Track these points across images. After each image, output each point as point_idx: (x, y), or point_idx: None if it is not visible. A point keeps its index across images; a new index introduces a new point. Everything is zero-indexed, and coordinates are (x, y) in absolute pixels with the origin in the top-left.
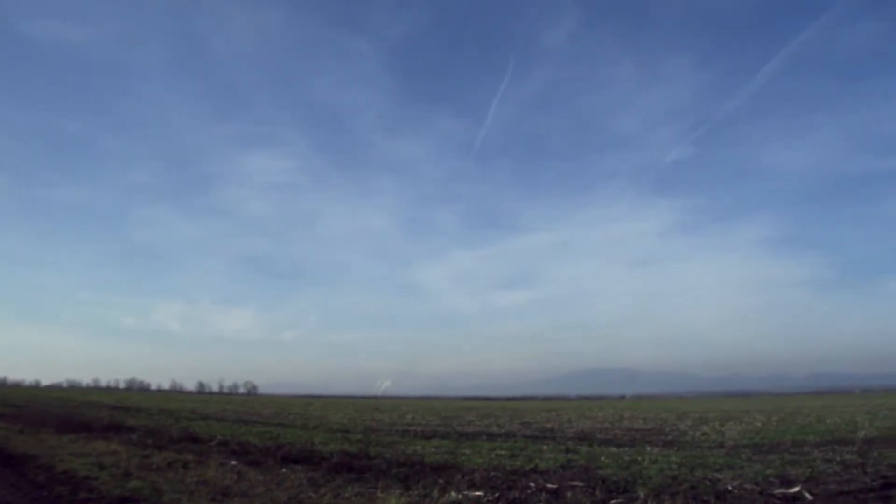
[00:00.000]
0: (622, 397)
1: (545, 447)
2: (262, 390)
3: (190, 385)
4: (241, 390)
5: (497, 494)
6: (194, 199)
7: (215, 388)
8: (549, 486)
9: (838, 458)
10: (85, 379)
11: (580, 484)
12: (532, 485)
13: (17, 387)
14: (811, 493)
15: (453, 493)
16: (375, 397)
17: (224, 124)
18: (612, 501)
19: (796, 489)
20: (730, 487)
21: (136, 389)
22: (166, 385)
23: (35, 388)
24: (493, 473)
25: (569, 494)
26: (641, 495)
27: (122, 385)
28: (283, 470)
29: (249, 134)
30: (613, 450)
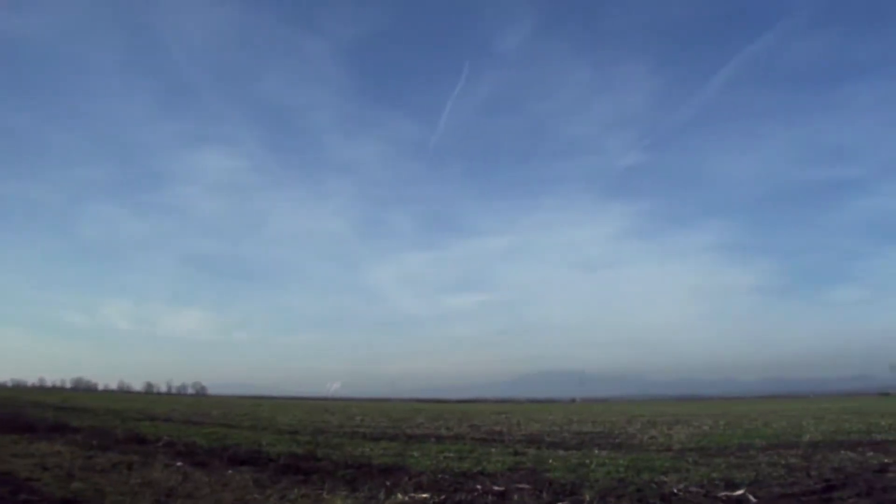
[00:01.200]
0: (572, 400)
1: (493, 450)
2: (211, 391)
3: (138, 385)
4: (190, 391)
5: (443, 497)
6: (144, 196)
7: (163, 389)
8: (496, 488)
9: (783, 462)
10: (30, 378)
11: (527, 486)
12: (479, 487)
13: None
14: (755, 496)
15: (400, 495)
16: (325, 399)
17: (175, 121)
18: None
19: (740, 492)
20: (675, 490)
21: (83, 389)
22: (113, 385)
23: None
24: (440, 476)
25: (515, 497)
26: (588, 498)
27: (68, 385)
28: (230, 471)
29: (201, 132)
30: (561, 452)
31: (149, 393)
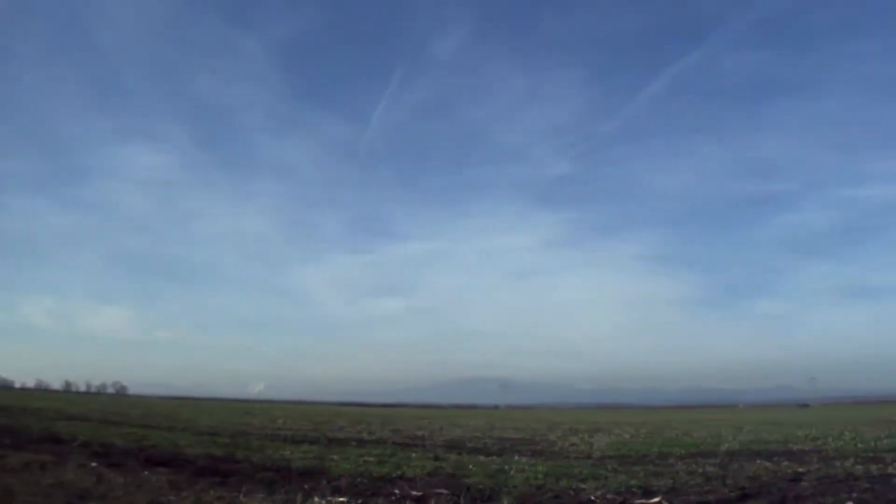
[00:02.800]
0: (496, 407)
1: (414, 454)
2: (131, 390)
3: (56, 383)
4: (110, 390)
5: (361, 500)
6: (69, 190)
7: (83, 388)
8: (415, 493)
9: (700, 470)
10: None
11: (445, 491)
12: (397, 491)
13: None
14: (671, 503)
15: (317, 499)
16: (248, 400)
17: (104, 116)
18: None
19: (657, 499)
20: (592, 497)
21: None
22: (31, 383)
23: None
24: (359, 480)
25: (433, 502)
26: (505, 503)
27: None
28: (146, 472)
29: (130, 127)
30: (482, 458)
31: (67, 391)
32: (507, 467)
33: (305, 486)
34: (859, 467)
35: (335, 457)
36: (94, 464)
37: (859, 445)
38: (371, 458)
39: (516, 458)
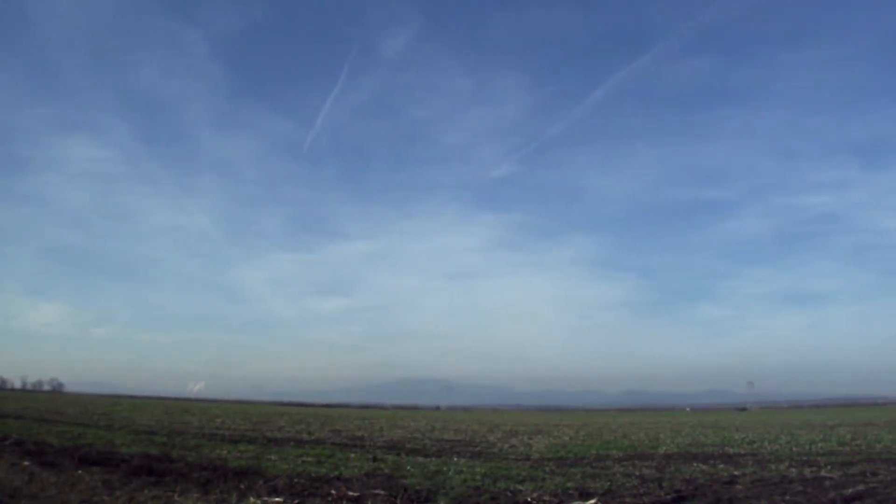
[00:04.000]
0: (437, 408)
1: (353, 455)
2: (68, 388)
3: None
4: (46, 387)
5: (297, 501)
6: (3, 182)
7: (17, 385)
8: (351, 493)
9: (637, 473)
10: None
11: (382, 492)
12: (334, 492)
13: None
14: None
15: (252, 499)
16: (187, 399)
17: (41, 106)
18: None
19: (593, 501)
20: (529, 499)
21: None
22: None
23: None
24: (296, 480)
25: (370, 503)
26: None
27: None
28: (80, 471)
29: (68, 118)
30: (421, 459)
31: (2, 389)
32: (445, 468)
33: (241, 486)
34: (793, 470)
35: (273, 457)
36: (26, 462)
37: (794, 449)
38: (309, 459)
39: (455, 459)
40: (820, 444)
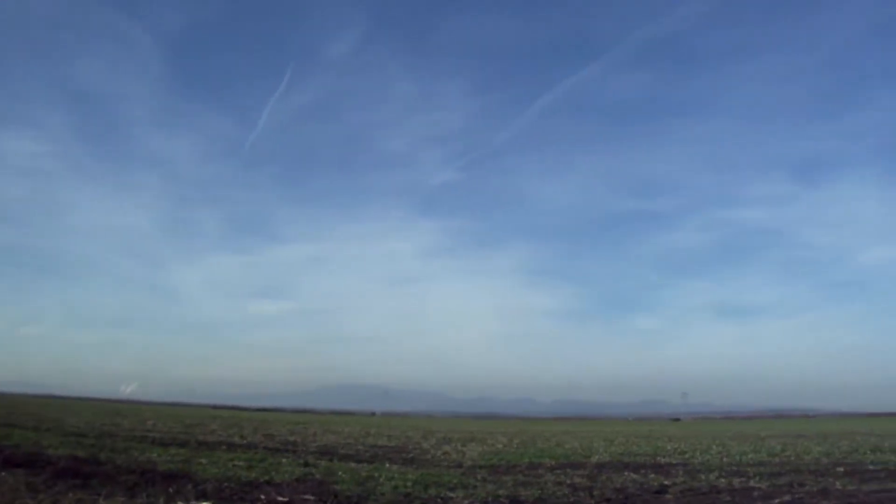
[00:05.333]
0: (372, 414)
1: (284, 460)
2: None
3: None
4: None
5: None
6: None
7: None
8: (281, 498)
9: (569, 481)
10: None
11: (312, 498)
12: (263, 497)
13: None
14: None
15: (180, 503)
16: (119, 401)
17: None
18: None
19: None
20: None
21: None
22: None
23: None
24: (225, 484)
25: None
26: None
27: None
28: (2, 473)
29: (2, 112)
30: (353, 465)
31: None
32: (377, 475)
33: (170, 490)
34: (723, 480)
35: (203, 460)
36: None
37: (725, 459)
38: (240, 463)
39: (387, 465)
40: (750, 455)
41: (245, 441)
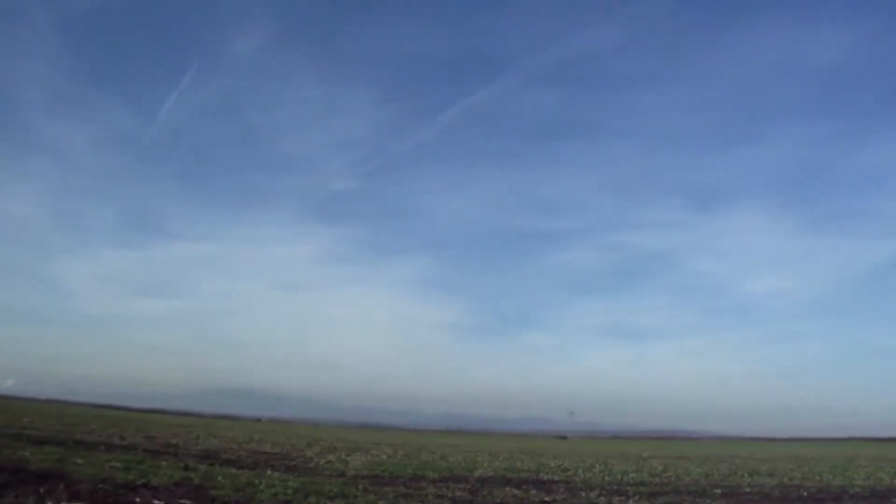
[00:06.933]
0: (258, 419)
1: (164, 463)
2: None
3: None
4: None
5: None
6: None
7: None
8: (157, 502)
9: (450, 495)
10: None
11: (189, 502)
12: (139, 500)
13: None
14: None
15: None
16: None
17: None
18: None
19: None
20: None
21: None
22: None
23: None
24: (100, 486)
25: None
26: None
27: None
28: None
29: None
30: (234, 471)
31: None
32: (257, 481)
33: (41, 490)
34: (603, 499)
35: (80, 461)
36: None
37: (607, 478)
38: (118, 464)
39: (269, 472)
40: (632, 475)
41: (125, 442)
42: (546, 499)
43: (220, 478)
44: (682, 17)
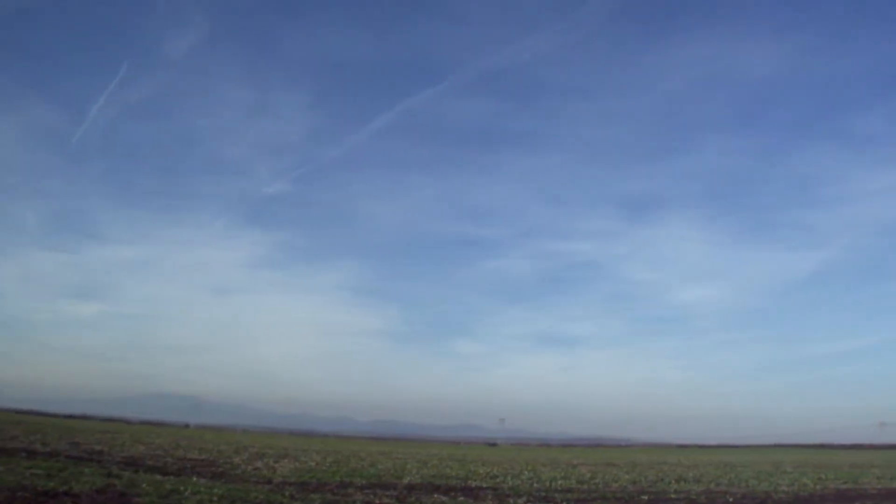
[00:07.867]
0: (186, 426)
1: (87, 470)
2: None
3: None
4: None
5: None
6: None
7: None
8: None
9: (378, 502)
10: None
11: None
12: None
13: None
14: None
15: None
16: None
17: None
18: None
19: None
20: None
21: None
22: None
23: None
24: (19, 494)
25: None
26: None
27: None
28: None
29: None
30: (159, 478)
31: None
32: (182, 488)
33: None
34: None
35: None
36: None
37: (535, 485)
38: (39, 471)
39: (195, 479)
40: (560, 482)
41: (48, 448)
42: None
43: (144, 485)
44: (614, 29)
